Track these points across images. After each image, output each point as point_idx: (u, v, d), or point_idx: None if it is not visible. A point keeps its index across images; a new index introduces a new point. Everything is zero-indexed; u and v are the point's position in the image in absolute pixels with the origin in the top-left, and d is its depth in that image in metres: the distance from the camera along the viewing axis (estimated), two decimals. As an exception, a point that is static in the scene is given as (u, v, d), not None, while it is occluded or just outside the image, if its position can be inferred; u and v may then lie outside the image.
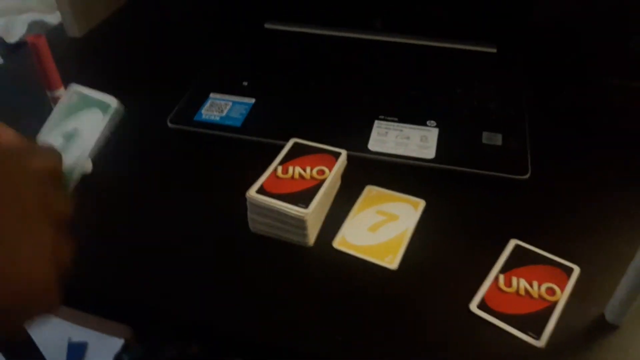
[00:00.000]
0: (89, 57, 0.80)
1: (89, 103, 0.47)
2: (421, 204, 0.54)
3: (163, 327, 0.57)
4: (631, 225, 0.52)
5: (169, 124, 0.63)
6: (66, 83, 0.54)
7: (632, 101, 0.66)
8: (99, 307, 0.52)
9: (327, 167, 0.52)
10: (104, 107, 0.48)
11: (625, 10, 0.66)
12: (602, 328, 0.44)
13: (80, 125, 0.46)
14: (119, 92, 0.70)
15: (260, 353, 0.45)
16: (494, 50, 0.75)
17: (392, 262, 0.49)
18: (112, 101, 0.43)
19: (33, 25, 0.99)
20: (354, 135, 0.61)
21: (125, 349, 1.07)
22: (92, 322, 1.11)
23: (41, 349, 0.92)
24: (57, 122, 0.43)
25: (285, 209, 0.48)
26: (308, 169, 0.51)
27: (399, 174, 0.57)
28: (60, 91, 0.52)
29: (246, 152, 0.59)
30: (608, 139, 0.62)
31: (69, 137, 0.46)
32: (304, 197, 0.49)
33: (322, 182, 0.50)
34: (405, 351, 0.43)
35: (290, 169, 0.51)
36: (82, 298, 0.49)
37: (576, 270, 0.48)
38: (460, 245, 0.51)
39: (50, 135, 0.43)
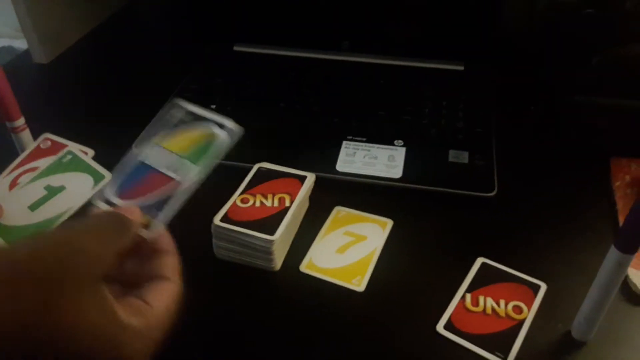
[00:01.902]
0: (55, 83, 0.79)
1: (85, 168, 0.48)
2: (389, 223, 0.54)
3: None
4: (598, 241, 0.53)
5: (134, 149, 0.62)
6: (29, 111, 0.54)
7: (597, 118, 0.66)
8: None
9: (291, 192, 0.51)
10: (98, 177, 0.48)
11: (590, 29, 0.67)
12: (569, 345, 0.44)
13: (68, 185, 0.47)
14: (84, 118, 0.71)
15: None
16: (462, 68, 0.76)
17: (359, 283, 0.48)
18: (107, 174, 0.44)
19: (2, 51, 0.98)
20: (323, 157, 0.61)
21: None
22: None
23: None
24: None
25: (251, 237, 0.47)
26: (270, 197, 0.51)
27: (367, 194, 0.57)
28: (19, 122, 0.51)
29: (212, 176, 0.59)
30: (573, 156, 0.63)
31: (54, 191, 0.46)
32: (269, 224, 0.48)
33: (286, 209, 0.50)
34: (373, 376, 0.42)
35: (251, 198, 0.51)
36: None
37: (543, 287, 0.48)
38: (428, 264, 0.51)
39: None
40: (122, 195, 0.39)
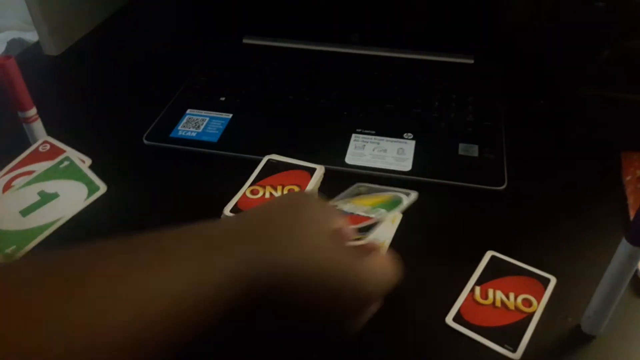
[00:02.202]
0: (66, 75, 0.79)
1: (81, 177, 0.48)
2: (398, 216, 0.54)
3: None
4: (608, 235, 0.52)
5: (145, 141, 0.62)
6: (40, 102, 0.54)
7: (606, 111, 0.66)
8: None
9: (300, 184, 0.51)
10: (92, 187, 0.49)
11: (597, 22, 0.67)
12: (578, 339, 0.44)
13: (62, 193, 0.47)
14: (95, 109, 0.71)
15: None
16: (472, 62, 0.76)
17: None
18: (102, 185, 0.46)
19: (12, 43, 0.98)
20: (332, 149, 0.61)
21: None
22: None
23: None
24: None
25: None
26: (280, 188, 0.51)
27: (376, 187, 0.57)
28: (31, 112, 0.51)
29: (222, 168, 0.59)
30: (583, 149, 0.63)
31: (47, 198, 0.47)
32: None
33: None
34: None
35: (261, 189, 0.51)
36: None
37: (552, 280, 0.48)
38: (437, 257, 0.51)
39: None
40: None
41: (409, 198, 0.47)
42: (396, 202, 0.47)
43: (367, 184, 0.50)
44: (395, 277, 0.36)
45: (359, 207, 0.48)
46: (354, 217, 0.46)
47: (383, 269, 0.35)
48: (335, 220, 0.36)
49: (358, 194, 0.49)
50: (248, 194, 0.50)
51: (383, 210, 0.47)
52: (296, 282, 0.31)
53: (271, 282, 0.31)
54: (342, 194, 0.49)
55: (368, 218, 0.46)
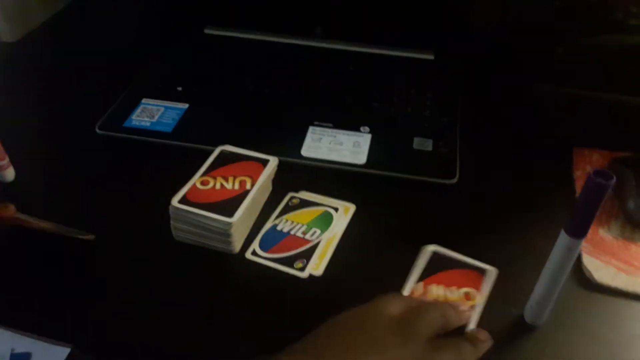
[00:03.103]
0: (21, 62, 0.78)
1: None
2: (351, 208, 0.54)
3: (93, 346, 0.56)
4: (555, 229, 0.53)
5: (98, 131, 0.61)
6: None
7: (559, 107, 0.67)
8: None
9: (252, 176, 0.51)
10: None
11: (553, 20, 0.68)
12: (521, 329, 0.45)
13: None
14: (49, 97, 0.70)
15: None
16: (432, 58, 0.76)
17: (317, 268, 0.48)
18: None
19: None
20: (288, 141, 0.60)
21: (71, 358, 1.04)
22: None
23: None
24: None
25: (210, 219, 0.47)
26: (231, 179, 0.51)
27: (330, 180, 0.57)
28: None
29: (176, 159, 0.58)
30: (538, 145, 0.63)
31: None
32: (228, 206, 0.48)
33: (246, 192, 0.49)
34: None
35: (211, 180, 0.50)
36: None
37: (493, 272, 0.48)
38: (385, 249, 0.51)
39: None
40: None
41: (338, 215, 0.52)
42: (328, 219, 0.52)
43: (299, 196, 0.54)
44: None
45: (296, 225, 0.51)
46: (294, 239, 0.50)
47: None
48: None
49: (292, 207, 0.53)
50: (198, 185, 0.50)
51: (318, 232, 0.51)
52: None
53: None
54: (278, 208, 0.52)
55: (307, 241, 0.50)
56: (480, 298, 0.46)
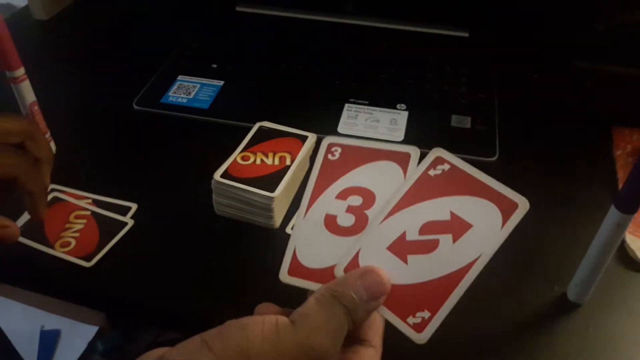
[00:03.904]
0: (55, 39, 0.78)
1: None
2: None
3: (134, 315, 0.57)
4: (596, 208, 0.52)
5: (135, 106, 0.62)
6: (30, 66, 0.53)
7: (599, 85, 0.66)
8: (71, 294, 0.51)
9: (291, 152, 0.51)
10: None
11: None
12: (564, 307, 0.45)
13: None
14: (85, 73, 0.70)
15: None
16: (466, 35, 0.75)
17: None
18: None
19: (1, 8, 0.96)
20: (324, 118, 0.60)
21: (99, 336, 1.06)
22: (66, 310, 1.09)
23: (11, 338, 0.90)
24: None
25: (251, 193, 0.47)
26: (271, 155, 0.51)
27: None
28: (19, 72, 0.51)
29: (213, 135, 0.58)
30: (575, 123, 0.63)
31: None
32: (269, 181, 0.48)
33: (286, 167, 0.49)
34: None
35: (252, 155, 0.50)
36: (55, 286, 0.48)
37: (312, 137, 0.52)
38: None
39: None
40: None
41: None
42: None
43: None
44: None
45: None
46: None
47: None
48: None
49: None
50: (239, 160, 0.50)
51: None
52: None
53: None
54: None
55: None
56: (295, 158, 0.49)
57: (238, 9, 0.80)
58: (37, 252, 0.48)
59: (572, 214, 0.52)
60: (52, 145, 0.57)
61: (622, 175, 0.56)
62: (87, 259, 0.47)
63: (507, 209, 0.32)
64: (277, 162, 0.50)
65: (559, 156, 0.59)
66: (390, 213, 0.31)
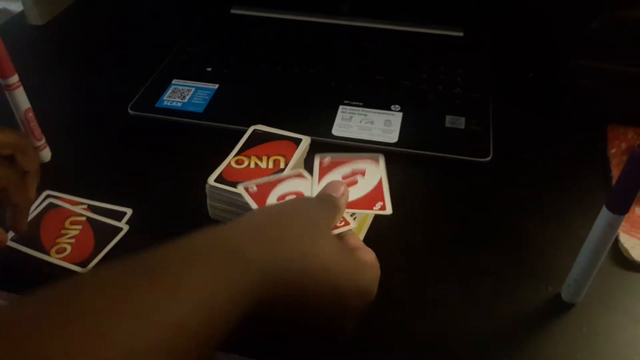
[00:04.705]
0: (50, 45, 0.78)
1: None
2: (381, 157, 0.51)
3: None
4: (591, 207, 0.52)
5: (130, 111, 0.62)
6: (24, 72, 0.53)
7: (596, 83, 0.66)
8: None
9: (285, 155, 0.51)
10: None
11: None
12: (558, 307, 0.45)
13: None
14: (80, 78, 0.70)
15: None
16: (461, 34, 0.75)
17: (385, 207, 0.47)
18: None
19: (-3, 13, 0.97)
20: (319, 121, 0.60)
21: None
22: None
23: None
24: None
25: (245, 197, 0.47)
26: (265, 159, 0.51)
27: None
28: (13, 79, 0.51)
29: (208, 139, 0.59)
30: (571, 122, 0.62)
31: None
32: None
33: (280, 171, 0.49)
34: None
35: (246, 159, 0.50)
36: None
37: (307, 140, 0.53)
38: (420, 231, 0.51)
39: None
40: None
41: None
42: None
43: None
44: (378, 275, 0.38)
45: None
46: None
47: (375, 269, 0.38)
48: (329, 216, 0.39)
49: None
50: (233, 164, 0.50)
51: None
52: (308, 286, 0.33)
53: (285, 288, 0.32)
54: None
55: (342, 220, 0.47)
56: (289, 162, 0.50)
57: (233, 11, 0.80)
58: (33, 258, 0.48)
59: (566, 213, 0.52)
60: (48, 151, 0.57)
61: (616, 174, 0.56)
62: (83, 264, 0.47)
63: (374, 159, 0.49)
64: (271, 165, 0.50)
65: (553, 155, 0.59)
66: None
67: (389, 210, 0.46)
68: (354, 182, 0.48)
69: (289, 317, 0.34)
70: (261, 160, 0.51)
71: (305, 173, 0.48)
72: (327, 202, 0.41)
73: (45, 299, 0.26)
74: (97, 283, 0.28)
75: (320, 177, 0.48)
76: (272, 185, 0.46)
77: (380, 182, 0.48)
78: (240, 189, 0.46)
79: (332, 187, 0.42)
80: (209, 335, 0.28)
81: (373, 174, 0.48)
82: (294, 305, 0.33)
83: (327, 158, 0.49)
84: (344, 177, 0.48)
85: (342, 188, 0.42)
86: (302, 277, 0.33)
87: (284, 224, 0.35)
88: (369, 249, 0.39)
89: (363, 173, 0.49)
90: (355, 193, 0.47)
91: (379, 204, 0.46)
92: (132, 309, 0.26)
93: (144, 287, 0.27)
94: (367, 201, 0.47)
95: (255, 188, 0.45)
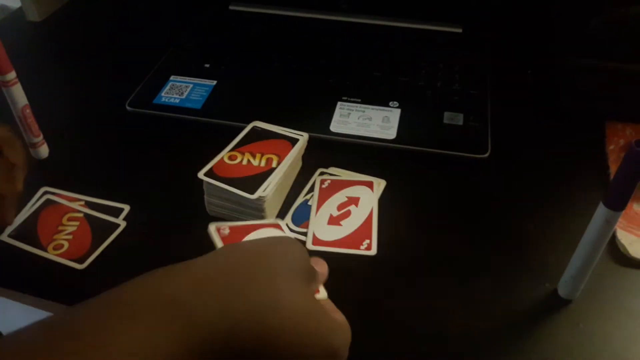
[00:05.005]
0: (48, 41, 0.78)
1: None
2: (382, 184, 0.54)
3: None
4: (588, 203, 0.52)
5: (128, 108, 0.62)
6: (22, 68, 0.53)
7: (592, 80, 0.66)
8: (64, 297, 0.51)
9: (279, 154, 0.51)
10: None
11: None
12: (555, 303, 0.45)
13: None
14: (77, 75, 0.70)
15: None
16: (460, 31, 0.75)
17: (370, 247, 0.48)
18: None
19: (-5, 10, 0.96)
20: (317, 117, 0.60)
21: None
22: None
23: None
24: None
25: (229, 193, 0.47)
26: (258, 156, 0.50)
27: (360, 155, 0.57)
28: (10, 75, 0.51)
29: (206, 135, 0.58)
30: (569, 119, 0.62)
31: None
32: (252, 183, 0.48)
33: (271, 169, 0.49)
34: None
35: (239, 155, 0.50)
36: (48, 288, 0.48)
37: (304, 137, 0.53)
38: (418, 226, 0.51)
39: None
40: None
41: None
42: None
43: (328, 172, 0.55)
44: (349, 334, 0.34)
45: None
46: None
47: (348, 333, 0.34)
48: (309, 269, 0.34)
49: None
50: (226, 159, 0.50)
51: None
52: (272, 345, 0.29)
53: (242, 346, 0.28)
54: (308, 184, 0.53)
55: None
56: (281, 161, 0.50)
57: (231, 7, 0.80)
58: (30, 254, 0.48)
59: (563, 210, 0.52)
60: (45, 148, 0.57)
61: (614, 171, 0.56)
62: (80, 261, 0.47)
63: (369, 184, 0.53)
64: (263, 163, 0.50)
65: (551, 152, 0.59)
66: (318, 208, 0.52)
67: (373, 251, 0.48)
68: (348, 214, 0.51)
69: None
70: (254, 157, 0.51)
71: (283, 225, 0.47)
72: (309, 264, 0.35)
73: None
74: (19, 348, 0.25)
75: (320, 201, 0.52)
76: (247, 231, 0.44)
77: (370, 215, 0.50)
78: (211, 229, 0.43)
79: (316, 262, 0.37)
80: None
81: (367, 202, 0.52)
82: None
83: (328, 182, 0.54)
84: (340, 206, 0.51)
85: (326, 268, 0.38)
86: (265, 333, 0.29)
87: (251, 268, 0.31)
88: (340, 312, 0.35)
89: (357, 202, 0.52)
90: (346, 228, 0.49)
91: (365, 243, 0.48)
92: None
93: (67, 350, 0.24)
94: (354, 239, 0.48)
95: (227, 231, 0.43)
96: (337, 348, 0.32)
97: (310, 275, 0.34)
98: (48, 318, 0.26)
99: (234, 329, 0.28)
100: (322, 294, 0.37)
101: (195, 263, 0.31)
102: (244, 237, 0.44)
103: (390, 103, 0.62)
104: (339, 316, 0.34)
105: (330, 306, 0.35)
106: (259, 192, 0.47)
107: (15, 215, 0.48)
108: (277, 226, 0.47)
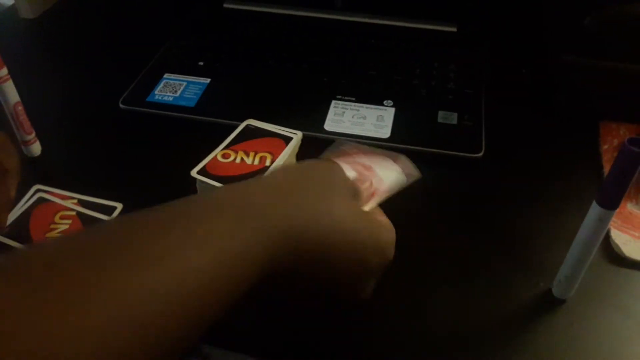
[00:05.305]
0: (42, 38, 0.78)
1: None
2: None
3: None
4: (582, 203, 0.52)
5: (121, 105, 0.61)
6: (16, 65, 0.53)
7: (586, 79, 0.66)
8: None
9: (273, 152, 0.51)
10: None
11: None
12: (549, 302, 0.45)
13: None
14: (71, 72, 0.70)
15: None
16: (454, 30, 0.75)
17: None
18: None
19: (-12, 6, 0.96)
20: (311, 116, 0.60)
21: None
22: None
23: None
24: None
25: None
26: (252, 155, 0.50)
27: (354, 154, 0.57)
28: (2, 72, 0.50)
29: (199, 133, 0.58)
30: (564, 118, 0.63)
31: None
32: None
33: (265, 168, 0.49)
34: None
35: (233, 154, 0.50)
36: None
37: (298, 136, 0.52)
38: (412, 226, 0.51)
39: None
40: None
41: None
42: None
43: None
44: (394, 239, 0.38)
45: None
46: None
47: (392, 231, 0.38)
48: (352, 185, 0.39)
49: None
50: (219, 158, 0.50)
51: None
52: (330, 242, 0.33)
53: (307, 245, 0.32)
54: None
55: None
56: (275, 160, 0.50)
57: (225, 5, 0.79)
58: (22, 253, 0.47)
59: (558, 209, 0.52)
60: (38, 145, 0.57)
61: (608, 170, 0.56)
62: (72, 259, 0.47)
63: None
64: (257, 162, 0.50)
65: (546, 151, 0.58)
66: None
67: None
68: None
69: (310, 276, 0.34)
70: (248, 155, 0.50)
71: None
72: (351, 182, 0.40)
73: (68, 243, 0.27)
74: (118, 229, 0.29)
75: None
76: None
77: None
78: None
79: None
80: (226, 288, 0.28)
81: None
82: (315, 262, 0.33)
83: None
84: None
85: (367, 186, 0.42)
86: (323, 233, 0.33)
87: (304, 184, 0.36)
88: (385, 215, 0.39)
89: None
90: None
91: None
92: (150, 254, 0.26)
93: (161, 234, 0.28)
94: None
95: None
96: (384, 244, 0.37)
97: (354, 191, 0.38)
98: (148, 209, 0.30)
99: (301, 232, 0.32)
100: (367, 206, 0.40)
101: (257, 180, 0.36)
102: None
103: (385, 102, 0.62)
104: (384, 218, 0.39)
105: (377, 210, 0.40)
106: None
107: (7, 219, 0.47)
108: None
